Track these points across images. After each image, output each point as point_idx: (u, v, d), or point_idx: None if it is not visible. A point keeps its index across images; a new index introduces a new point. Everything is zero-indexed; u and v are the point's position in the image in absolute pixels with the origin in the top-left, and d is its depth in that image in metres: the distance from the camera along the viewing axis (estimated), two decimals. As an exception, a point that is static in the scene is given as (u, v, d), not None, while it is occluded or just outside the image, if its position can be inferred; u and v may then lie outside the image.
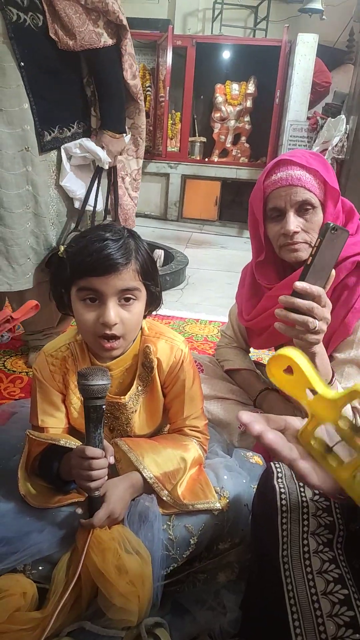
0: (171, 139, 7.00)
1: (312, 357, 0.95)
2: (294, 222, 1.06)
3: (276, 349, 1.30)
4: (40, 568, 0.87)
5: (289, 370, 0.55)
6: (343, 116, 5.14)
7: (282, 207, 1.08)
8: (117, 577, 0.80)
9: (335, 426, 0.52)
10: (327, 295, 0.90)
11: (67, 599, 0.80)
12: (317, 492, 0.79)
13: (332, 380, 1.00)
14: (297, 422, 0.60)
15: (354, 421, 0.52)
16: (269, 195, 1.10)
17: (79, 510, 0.86)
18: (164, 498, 0.93)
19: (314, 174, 1.05)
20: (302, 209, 1.07)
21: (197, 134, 7.20)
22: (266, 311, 1.17)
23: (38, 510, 0.91)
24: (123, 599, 0.79)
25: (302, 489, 0.79)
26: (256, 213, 1.14)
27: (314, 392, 0.54)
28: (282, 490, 0.79)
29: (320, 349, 0.93)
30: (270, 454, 0.56)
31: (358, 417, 0.53)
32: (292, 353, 0.54)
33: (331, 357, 1.07)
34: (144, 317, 1.01)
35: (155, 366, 1.02)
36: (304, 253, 1.08)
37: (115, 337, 0.90)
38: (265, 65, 6.33)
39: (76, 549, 0.85)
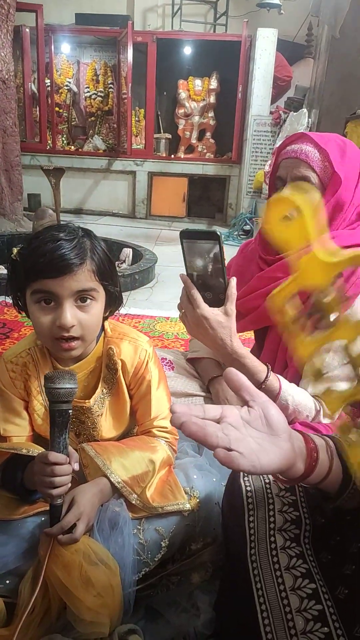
0: (136, 136, 6.96)
1: (239, 363, 1.00)
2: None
3: (256, 332, 1.29)
4: (7, 582, 0.85)
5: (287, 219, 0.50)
6: (305, 110, 5.20)
7: (284, 178, 1.08)
8: (84, 592, 0.78)
9: (319, 294, 0.48)
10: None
11: (35, 612, 0.78)
12: (283, 487, 0.79)
13: (266, 375, 1.00)
14: (234, 411, 0.60)
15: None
16: (279, 164, 1.11)
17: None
18: (133, 502, 0.92)
19: (325, 155, 1.04)
20: None
21: (162, 131, 7.19)
22: (255, 291, 1.16)
23: (1, 523, 0.88)
24: (92, 613, 0.77)
25: (267, 486, 0.79)
26: (270, 180, 1.15)
27: (308, 248, 0.48)
28: (249, 488, 0.79)
29: (243, 351, 0.99)
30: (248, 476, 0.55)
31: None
32: (297, 197, 0.48)
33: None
34: (105, 318, 0.99)
35: (119, 368, 1.00)
36: None
37: (73, 338, 0.88)
38: (226, 61, 6.36)
39: (40, 561, 0.83)
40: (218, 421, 0.58)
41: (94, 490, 0.91)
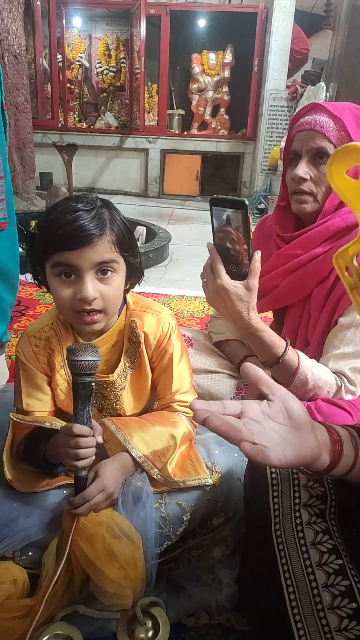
0: (148, 112, 6.85)
1: (256, 337, 0.99)
2: (303, 168, 1.04)
3: (275, 313, 1.27)
4: (30, 554, 0.86)
5: (354, 176, 0.46)
6: (323, 84, 5.06)
7: (300, 151, 1.05)
8: (107, 564, 0.78)
9: None
10: (331, 259, 0.94)
11: (59, 583, 0.79)
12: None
13: (285, 349, 0.99)
14: (254, 405, 0.59)
15: None
16: (293, 137, 1.08)
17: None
18: (154, 476, 0.92)
19: (341, 124, 1.00)
20: (317, 157, 1.03)
21: (175, 107, 7.06)
22: (274, 270, 1.13)
23: (25, 495, 0.88)
24: (115, 585, 0.78)
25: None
26: (284, 155, 1.13)
27: None
28: (273, 462, 0.78)
29: (260, 325, 0.98)
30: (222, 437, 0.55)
31: None
32: None
33: (335, 323, 1.05)
34: (127, 290, 0.98)
35: (142, 340, 0.99)
36: (309, 206, 1.07)
37: (95, 311, 0.87)
38: (242, 33, 6.19)
39: (64, 533, 0.83)
40: (239, 416, 0.58)
41: (116, 464, 0.91)
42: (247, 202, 0.85)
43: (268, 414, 0.59)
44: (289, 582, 0.71)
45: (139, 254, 0.95)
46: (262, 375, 0.62)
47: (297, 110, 5.41)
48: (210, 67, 6.73)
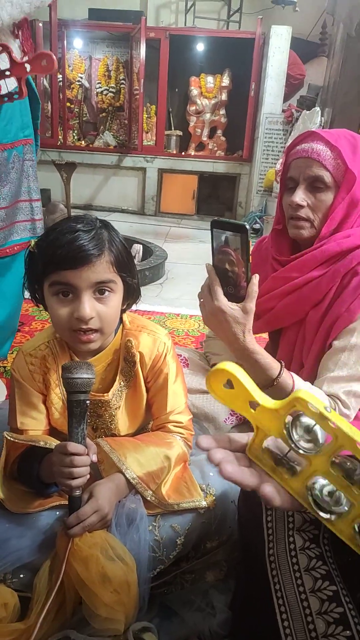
0: (147, 132, 6.94)
1: (251, 359, 0.99)
2: (301, 195, 1.06)
3: (271, 334, 1.28)
4: (21, 576, 0.84)
5: (229, 385, 0.54)
6: (318, 108, 5.16)
7: (297, 178, 1.07)
8: (101, 587, 0.77)
9: (281, 437, 0.51)
10: (326, 282, 1.04)
11: (50, 607, 0.78)
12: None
13: (280, 372, 0.99)
14: None
15: (293, 434, 0.50)
16: (289, 164, 1.10)
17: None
18: (148, 498, 0.91)
19: (337, 153, 1.03)
20: (314, 185, 1.05)
21: (172, 128, 7.16)
22: (270, 292, 1.14)
23: (17, 516, 0.87)
24: (108, 609, 0.77)
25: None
26: (280, 180, 1.15)
27: (255, 405, 0.52)
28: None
29: (256, 347, 0.98)
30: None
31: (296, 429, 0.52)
32: (230, 367, 0.52)
33: (329, 346, 1.06)
34: (124, 310, 0.99)
35: (137, 360, 1.00)
36: (305, 232, 1.08)
37: (91, 331, 0.87)
38: (239, 58, 6.32)
39: (57, 555, 0.82)
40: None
41: (110, 485, 0.90)
42: (248, 227, 0.87)
43: None
44: (282, 608, 0.71)
45: (136, 275, 0.96)
46: (220, 440, 0.58)
47: (292, 133, 5.51)
48: (208, 90, 6.86)
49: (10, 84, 1.38)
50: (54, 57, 1.11)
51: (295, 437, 0.50)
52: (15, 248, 1.65)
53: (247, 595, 0.83)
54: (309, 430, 0.49)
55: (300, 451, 0.50)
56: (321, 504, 0.50)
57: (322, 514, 0.50)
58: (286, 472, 0.52)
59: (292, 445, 0.50)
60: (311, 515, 0.76)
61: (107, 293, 0.88)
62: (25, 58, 1.18)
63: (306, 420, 0.49)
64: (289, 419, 0.51)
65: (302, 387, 1.02)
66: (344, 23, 4.97)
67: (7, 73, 1.16)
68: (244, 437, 0.58)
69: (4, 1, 1.33)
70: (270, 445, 0.55)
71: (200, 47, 6.86)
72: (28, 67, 1.14)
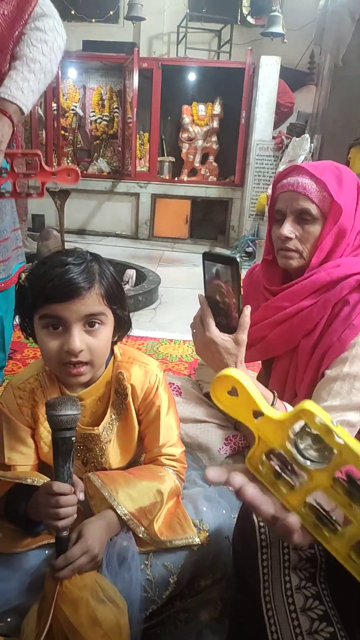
0: (140, 159, 7.05)
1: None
2: (289, 228, 1.07)
3: (263, 362, 1.28)
4: (8, 620, 0.82)
5: (234, 392, 0.53)
6: (307, 135, 5.27)
7: (284, 211, 1.09)
8: (91, 632, 0.74)
9: (283, 449, 0.50)
10: (317, 311, 1.04)
11: (38, 653, 0.75)
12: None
13: (272, 402, 0.99)
14: None
15: (299, 443, 0.49)
16: (276, 197, 1.12)
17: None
18: (140, 535, 0.89)
19: (322, 186, 1.04)
20: (301, 217, 1.06)
21: (165, 154, 7.28)
22: (262, 322, 1.14)
23: (4, 557, 0.85)
24: (98, 655, 0.74)
25: (282, 522, 0.76)
26: (269, 213, 1.16)
27: (259, 414, 0.51)
28: (262, 524, 0.75)
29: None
30: (250, 508, 0.52)
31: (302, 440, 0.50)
32: (236, 374, 0.51)
33: (322, 375, 1.05)
34: (115, 342, 0.98)
35: (129, 392, 0.98)
36: (295, 262, 1.10)
37: (81, 364, 0.86)
38: (230, 87, 6.48)
39: (46, 597, 0.80)
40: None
41: (101, 523, 0.88)
42: (238, 260, 0.87)
43: None
44: (279, 651, 0.68)
45: (127, 307, 0.95)
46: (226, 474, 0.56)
47: (282, 159, 5.62)
48: (199, 117, 7.00)
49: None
50: (79, 172, 1.18)
51: (302, 446, 0.48)
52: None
53: (242, 636, 0.81)
54: (318, 440, 0.48)
55: (308, 462, 0.48)
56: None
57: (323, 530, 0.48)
58: (285, 487, 0.51)
59: (298, 455, 0.48)
60: (307, 552, 0.75)
61: (97, 325, 0.87)
62: (54, 168, 1.31)
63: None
64: (294, 429, 0.49)
65: None
66: (330, 53, 5.12)
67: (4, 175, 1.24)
68: (246, 471, 0.56)
69: (28, 92, 1.39)
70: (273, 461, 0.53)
71: (191, 76, 7.04)
72: (53, 177, 1.21)
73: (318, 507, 0.49)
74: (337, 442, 0.45)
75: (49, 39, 1.43)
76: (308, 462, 0.48)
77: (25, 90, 1.38)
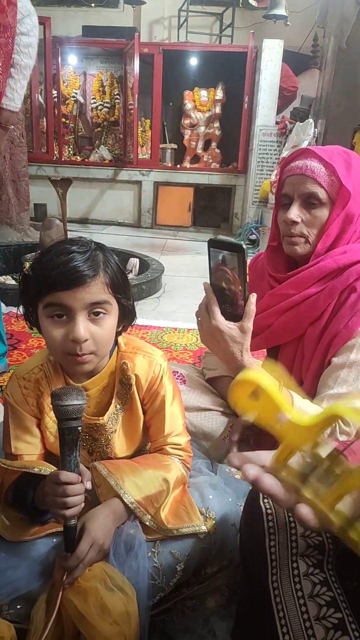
0: (142, 146, 6.99)
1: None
2: (295, 212, 1.05)
3: (269, 351, 1.27)
4: (18, 607, 0.82)
5: (254, 396, 0.50)
6: (311, 120, 5.21)
7: (291, 195, 1.07)
8: (100, 619, 0.75)
9: (311, 454, 0.48)
10: (324, 299, 1.03)
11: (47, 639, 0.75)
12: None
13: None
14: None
15: (328, 447, 0.47)
16: (284, 181, 1.10)
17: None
18: (147, 523, 0.89)
19: (331, 170, 1.02)
20: (309, 202, 1.05)
21: (167, 141, 7.21)
22: (268, 309, 1.14)
23: (13, 545, 0.85)
24: (108, 642, 0.74)
25: (289, 509, 0.76)
26: (275, 197, 1.14)
27: (284, 418, 0.49)
28: (269, 511, 0.76)
29: (253, 366, 0.97)
30: (269, 498, 0.51)
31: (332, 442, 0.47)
32: (257, 376, 0.49)
33: (329, 363, 1.05)
34: (119, 332, 0.97)
35: (133, 383, 0.98)
36: (300, 248, 1.08)
37: (86, 353, 0.86)
38: (232, 72, 6.39)
39: (54, 586, 0.80)
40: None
41: (106, 512, 0.88)
42: (244, 247, 0.86)
43: None
44: (286, 637, 0.68)
45: (132, 296, 0.95)
46: (249, 458, 0.56)
47: (286, 145, 5.55)
48: (201, 103, 6.92)
49: None
50: None
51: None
52: None
53: (249, 622, 0.81)
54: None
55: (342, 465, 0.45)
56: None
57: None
58: (310, 492, 0.48)
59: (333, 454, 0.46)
60: (315, 540, 0.75)
61: (101, 314, 0.86)
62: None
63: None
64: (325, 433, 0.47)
65: (301, 406, 1.00)
66: (334, 36, 5.03)
67: None
68: (268, 454, 0.54)
69: (21, 94, 1.59)
70: (295, 463, 0.51)
71: (193, 61, 6.94)
72: None
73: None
74: None
75: (33, 41, 1.58)
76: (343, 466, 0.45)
77: (19, 92, 1.57)
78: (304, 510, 0.48)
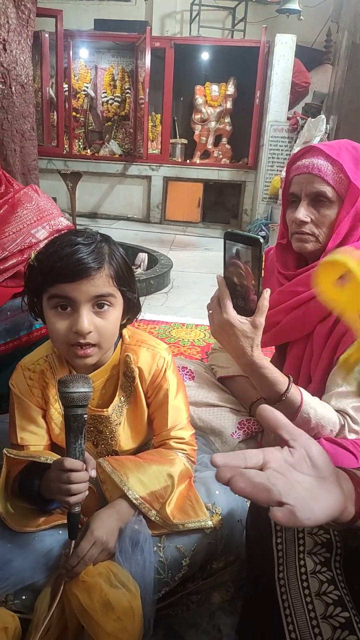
0: (152, 141, 6.97)
1: (259, 374, 0.97)
2: (303, 212, 1.04)
3: (277, 348, 1.26)
4: (23, 597, 0.82)
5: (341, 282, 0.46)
6: (323, 116, 5.16)
7: (299, 194, 1.06)
8: (104, 616, 0.75)
9: None
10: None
11: (51, 632, 0.75)
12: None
13: (288, 387, 0.97)
14: (277, 454, 0.55)
15: None
16: (291, 180, 1.09)
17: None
18: (152, 518, 0.88)
19: (339, 167, 1.01)
20: (317, 200, 1.04)
21: (177, 136, 7.19)
22: (277, 306, 1.12)
23: (19, 536, 0.85)
24: (111, 638, 0.74)
25: (297, 506, 0.75)
26: (283, 196, 1.13)
27: None
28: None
29: (264, 362, 0.96)
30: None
31: None
32: (348, 260, 0.43)
33: (337, 360, 1.03)
34: (124, 325, 0.97)
35: (136, 375, 0.98)
36: (310, 245, 1.07)
37: (89, 345, 0.86)
38: (244, 66, 6.34)
39: (60, 576, 0.80)
40: (261, 468, 0.54)
41: (110, 512, 0.88)
42: (261, 241, 0.85)
43: (291, 464, 0.55)
44: (293, 635, 0.68)
45: (137, 290, 0.94)
46: (281, 419, 0.58)
47: (297, 141, 5.51)
48: (212, 98, 6.89)
49: None
50: None
51: None
52: None
53: (254, 619, 0.80)
54: None
55: None
56: None
57: None
58: None
59: None
60: (323, 537, 0.74)
61: (106, 307, 0.86)
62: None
63: None
64: None
65: (310, 403, 0.99)
66: (348, 30, 4.97)
67: None
68: (259, 455, 0.55)
69: None
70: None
71: (205, 56, 6.90)
72: None
73: None
74: None
75: None
76: None
77: None
78: (278, 515, 0.49)
